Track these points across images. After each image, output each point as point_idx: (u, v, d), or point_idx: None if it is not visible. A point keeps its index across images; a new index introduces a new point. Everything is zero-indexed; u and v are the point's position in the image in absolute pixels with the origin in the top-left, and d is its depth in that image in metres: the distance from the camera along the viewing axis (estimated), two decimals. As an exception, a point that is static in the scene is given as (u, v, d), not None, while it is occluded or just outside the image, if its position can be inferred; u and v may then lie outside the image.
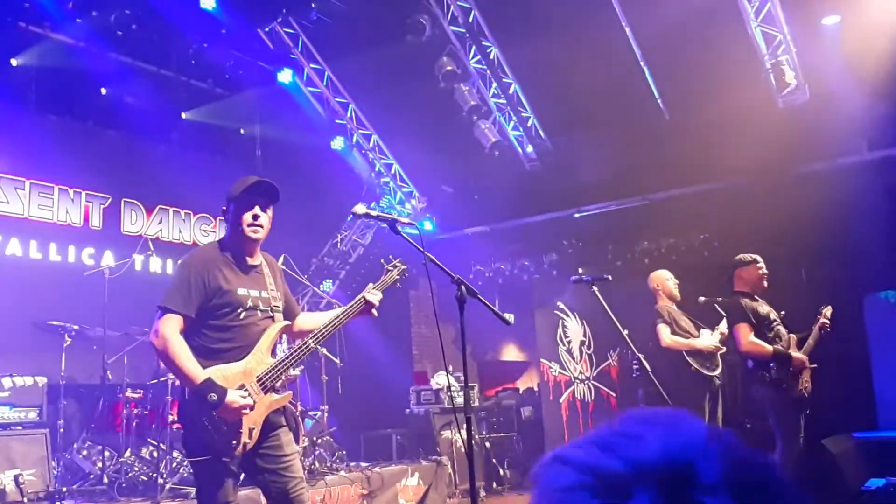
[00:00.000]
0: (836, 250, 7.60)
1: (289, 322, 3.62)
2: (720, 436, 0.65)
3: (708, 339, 5.95)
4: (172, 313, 3.31)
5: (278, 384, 3.42)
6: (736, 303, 5.64)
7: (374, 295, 3.64)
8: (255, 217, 3.47)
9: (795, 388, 5.43)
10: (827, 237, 7.58)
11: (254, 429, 3.30)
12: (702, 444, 0.63)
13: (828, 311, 5.72)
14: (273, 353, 3.50)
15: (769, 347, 5.43)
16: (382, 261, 3.89)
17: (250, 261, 3.55)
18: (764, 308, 5.64)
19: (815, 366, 5.60)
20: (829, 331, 5.67)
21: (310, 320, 3.74)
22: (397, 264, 3.85)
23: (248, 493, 5.07)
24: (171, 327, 3.29)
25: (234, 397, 3.21)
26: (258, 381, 3.33)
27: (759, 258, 5.79)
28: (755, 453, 0.67)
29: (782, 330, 5.62)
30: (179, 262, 3.53)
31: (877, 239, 7.37)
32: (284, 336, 4.11)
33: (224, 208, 3.55)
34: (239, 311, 3.40)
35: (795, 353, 5.48)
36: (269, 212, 3.54)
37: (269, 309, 3.51)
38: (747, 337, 5.46)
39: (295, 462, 3.48)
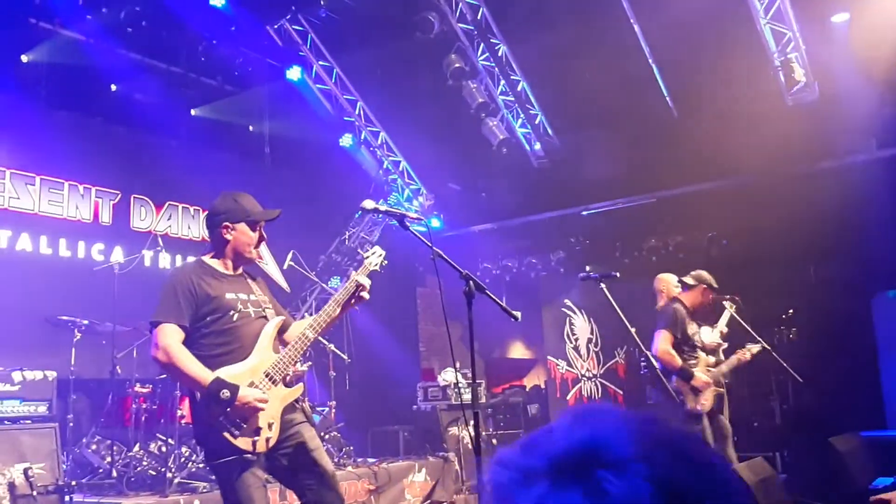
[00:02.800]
0: (844, 249, 7.58)
1: (284, 317, 3.63)
2: (635, 418, 0.73)
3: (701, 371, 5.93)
4: (167, 324, 3.31)
5: (288, 376, 3.43)
6: (672, 310, 5.79)
7: (362, 277, 3.62)
8: (262, 239, 3.58)
9: (690, 403, 5.61)
10: (836, 235, 7.56)
11: (272, 423, 3.30)
12: (610, 428, 0.71)
13: (755, 348, 5.98)
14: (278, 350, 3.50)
15: (678, 362, 5.64)
16: (360, 251, 3.92)
17: (234, 271, 3.60)
18: (693, 328, 5.84)
19: (722, 390, 5.83)
20: (746, 364, 5.96)
21: (298, 327, 3.68)
22: (376, 250, 3.85)
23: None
24: (169, 337, 3.28)
25: (246, 392, 3.21)
26: (266, 375, 3.34)
27: (715, 285, 5.92)
28: (675, 429, 0.75)
29: (701, 353, 5.84)
30: (166, 279, 3.55)
31: (886, 238, 7.34)
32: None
33: (227, 218, 3.53)
34: (231, 313, 3.41)
35: (698, 374, 5.66)
36: None
37: (260, 310, 3.53)
38: (665, 344, 5.66)
39: (323, 455, 3.49)
